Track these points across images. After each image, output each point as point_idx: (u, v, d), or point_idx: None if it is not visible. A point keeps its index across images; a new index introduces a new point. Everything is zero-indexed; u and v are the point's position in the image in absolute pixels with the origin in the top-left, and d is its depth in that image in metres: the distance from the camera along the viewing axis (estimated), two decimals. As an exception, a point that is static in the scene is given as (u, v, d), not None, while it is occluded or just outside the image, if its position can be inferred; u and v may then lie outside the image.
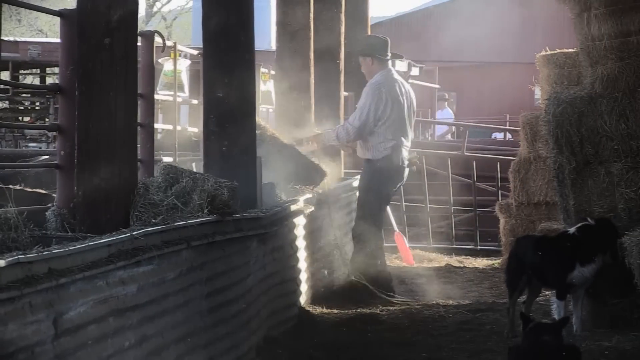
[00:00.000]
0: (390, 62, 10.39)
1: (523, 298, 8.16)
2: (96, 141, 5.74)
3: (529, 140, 12.32)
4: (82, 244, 4.67)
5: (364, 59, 10.26)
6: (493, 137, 25.22)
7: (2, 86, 17.79)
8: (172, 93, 9.74)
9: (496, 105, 28.21)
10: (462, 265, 12.91)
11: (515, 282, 7.97)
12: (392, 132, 10.04)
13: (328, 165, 10.45)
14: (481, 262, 13.23)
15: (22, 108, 19.86)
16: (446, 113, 26.47)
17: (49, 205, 6.00)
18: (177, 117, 9.82)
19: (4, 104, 20.02)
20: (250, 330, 6.93)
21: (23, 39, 20.96)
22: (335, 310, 9.14)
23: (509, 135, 23.16)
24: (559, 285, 7.83)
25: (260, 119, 9.68)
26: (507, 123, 26.43)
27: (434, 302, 9.87)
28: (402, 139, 10.11)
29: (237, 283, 6.73)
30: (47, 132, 17.03)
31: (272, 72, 12.48)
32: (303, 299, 8.93)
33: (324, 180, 10.13)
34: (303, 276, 8.98)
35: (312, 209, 9.45)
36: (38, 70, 22.23)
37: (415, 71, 24.14)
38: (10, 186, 7.18)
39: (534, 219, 12.27)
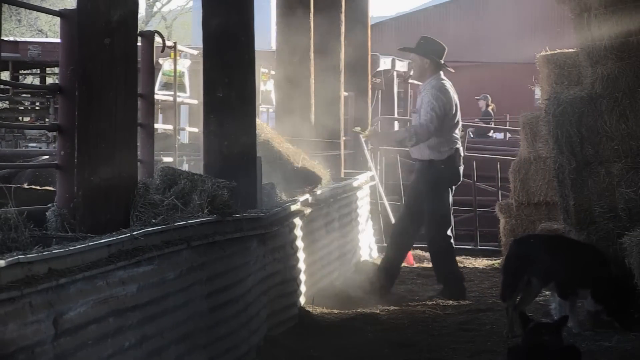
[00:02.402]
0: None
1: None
2: (96, 141, 5.74)
3: (529, 140, 12.31)
4: (82, 244, 4.67)
5: (422, 59, 10.08)
6: (493, 137, 25.20)
7: (2, 86, 17.79)
8: (171, 93, 9.74)
9: (496, 105, 28.21)
10: (462, 265, 12.88)
11: (515, 282, 7.97)
12: (453, 134, 10.02)
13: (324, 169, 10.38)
14: (481, 262, 13.21)
15: (22, 108, 19.86)
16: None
17: (49, 205, 6.00)
18: (176, 117, 9.81)
19: (4, 104, 20.03)
20: (250, 330, 6.93)
21: (23, 39, 20.97)
22: (335, 310, 9.13)
23: (509, 135, 23.16)
24: (564, 284, 7.82)
25: (259, 121, 9.66)
26: (507, 123, 26.43)
27: (434, 302, 9.86)
28: (459, 141, 10.13)
29: (237, 283, 6.73)
30: (47, 132, 17.03)
31: (272, 72, 12.49)
32: (303, 299, 8.93)
33: (320, 183, 10.07)
34: (303, 276, 8.98)
35: (312, 209, 9.45)
36: (38, 70, 22.23)
37: (415, 71, 24.13)
38: (19, 185, 7.19)
39: (534, 219, 12.26)
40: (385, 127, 19.64)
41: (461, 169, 10.17)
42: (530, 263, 7.94)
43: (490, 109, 27.05)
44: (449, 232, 10.17)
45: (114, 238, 4.95)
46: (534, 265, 7.93)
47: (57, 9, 6.25)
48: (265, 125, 10.18)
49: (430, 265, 12.85)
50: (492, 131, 24.34)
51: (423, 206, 10.04)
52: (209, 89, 7.70)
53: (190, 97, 10.82)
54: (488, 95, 27.24)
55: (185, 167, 9.42)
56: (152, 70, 7.37)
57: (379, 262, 11.80)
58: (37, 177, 8.84)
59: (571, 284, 7.83)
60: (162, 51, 7.83)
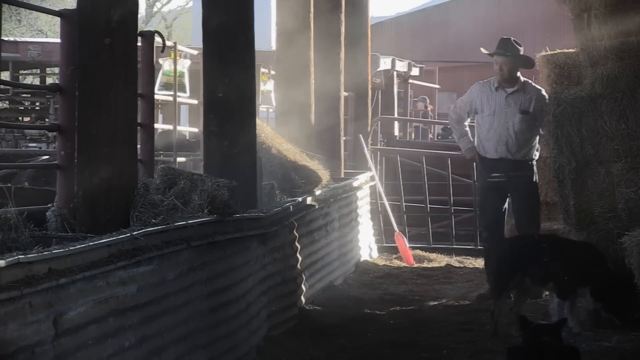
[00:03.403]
0: None
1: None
2: (96, 141, 5.74)
3: (529, 140, 12.29)
4: (82, 244, 4.67)
5: (517, 62, 9.87)
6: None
7: (2, 86, 17.78)
8: (171, 93, 9.74)
9: (496, 105, 28.22)
10: (462, 265, 12.90)
11: (507, 282, 7.96)
12: None
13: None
14: (481, 262, 13.18)
15: (22, 108, 19.85)
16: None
17: (49, 205, 6.00)
18: (176, 117, 9.82)
19: (4, 104, 20.02)
20: (250, 330, 6.92)
21: (23, 39, 20.96)
22: (335, 311, 9.13)
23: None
24: (563, 285, 7.81)
25: (259, 121, 9.66)
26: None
27: (434, 302, 9.86)
28: None
29: (237, 283, 6.73)
30: (47, 132, 17.02)
31: (272, 72, 12.49)
32: (303, 299, 8.93)
33: (320, 183, 10.05)
34: (303, 276, 8.98)
35: (312, 209, 9.45)
36: (38, 70, 22.22)
37: (415, 71, 24.16)
38: (19, 185, 7.20)
39: (534, 219, 12.24)
40: (385, 127, 19.66)
41: None
42: (524, 263, 7.93)
43: (429, 110, 27.25)
44: None
45: (114, 238, 4.95)
46: (529, 265, 7.92)
47: (57, 9, 6.25)
48: (266, 125, 10.18)
49: (430, 265, 12.86)
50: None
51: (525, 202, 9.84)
52: (209, 89, 7.71)
53: (190, 97, 10.81)
54: (426, 97, 27.47)
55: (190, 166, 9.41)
56: (152, 70, 7.37)
57: (379, 262, 11.83)
58: (38, 178, 8.85)
59: (570, 284, 7.82)
60: (162, 51, 7.83)
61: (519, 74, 9.84)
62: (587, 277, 7.80)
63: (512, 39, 10.00)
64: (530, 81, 9.99)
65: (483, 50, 10.31)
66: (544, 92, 9.81)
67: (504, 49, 9.82)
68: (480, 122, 9.86)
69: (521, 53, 9.87)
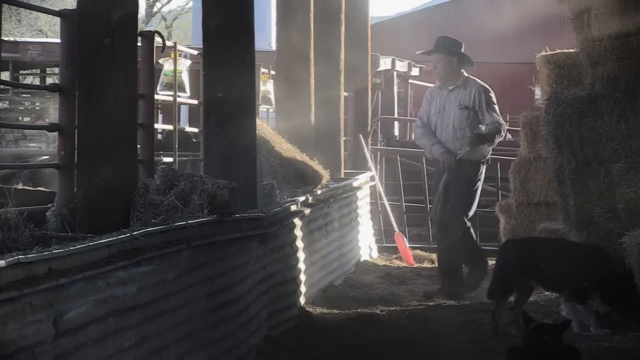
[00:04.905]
0: None
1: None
2: (96, 141, 5.74)
3: (529, 140, 12.29)
4: (82, 244, 4.67)
5: (451, 59, 9.98)
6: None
7: (2, 86, 17.77)
8: (172, 93, 9.73)
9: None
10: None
11: (511, 284, 7.95)
12: None
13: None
14: (481, 262, 13.18)
15: (22, 108, 19.85)
16: None
17: (49, 205, 5.99)
18: (176, 117, 9.80)
19: (4, 104, 20.01)
20: (250, 330, 6.92)
21: (23, 39, 20.95)
22: (335, 311, 9.13)
23: (509, 135, 23.13)
24: (581, 290, 7.76)
25: (259, 121, 9.66)
26: (507, 123, 26.42)
27: (434, 302, 9.86)
28: None
29: (237, 283, 6.73)
30: (47, 132, 17.01)
31: (272, 72, 12.49)
32: (303, 300, 8.92)
33: (320, 183, 10.06)
34: (303, 276, 8.98)
35: (312, 209, 9.45)
36: (38, 70, 22.21)
37: (415, 71, 24.15)
38: (14, 186, 7.19)
39: (534, 219, 12.24)
40: (385, 127, 19.66)
41: None
42: (531, 265, 7.90)
43: None
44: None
45: (114, 238, 4.96)
46: (536, 268, 7.88)
47: (57, 9, 6.25)
48: (266, 125, 10.18)
49: (430, 265, 12.86)
50: None
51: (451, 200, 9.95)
52: (209, 89, 7.71)
53: (190, 97, 10.81)
54: None
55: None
56: (152, 70, 7.36)
57: (379, 262, 11.82)
58: (36, 178, 8.84)
59: (588, 288, 7.75)
60: (162, 51, 7.82)
61: (463, 70, 9.95)
62: (598, 281, 7.75)
63: (449, 36, 10.20)
64: (474, 78, 10.08)
65: (417, 52, 10.54)
66: (486, 86, 9.90)
67: (434, 46, 10.01)
68: (430, 123, 10.02)
69: (461, 51, 9.98)
